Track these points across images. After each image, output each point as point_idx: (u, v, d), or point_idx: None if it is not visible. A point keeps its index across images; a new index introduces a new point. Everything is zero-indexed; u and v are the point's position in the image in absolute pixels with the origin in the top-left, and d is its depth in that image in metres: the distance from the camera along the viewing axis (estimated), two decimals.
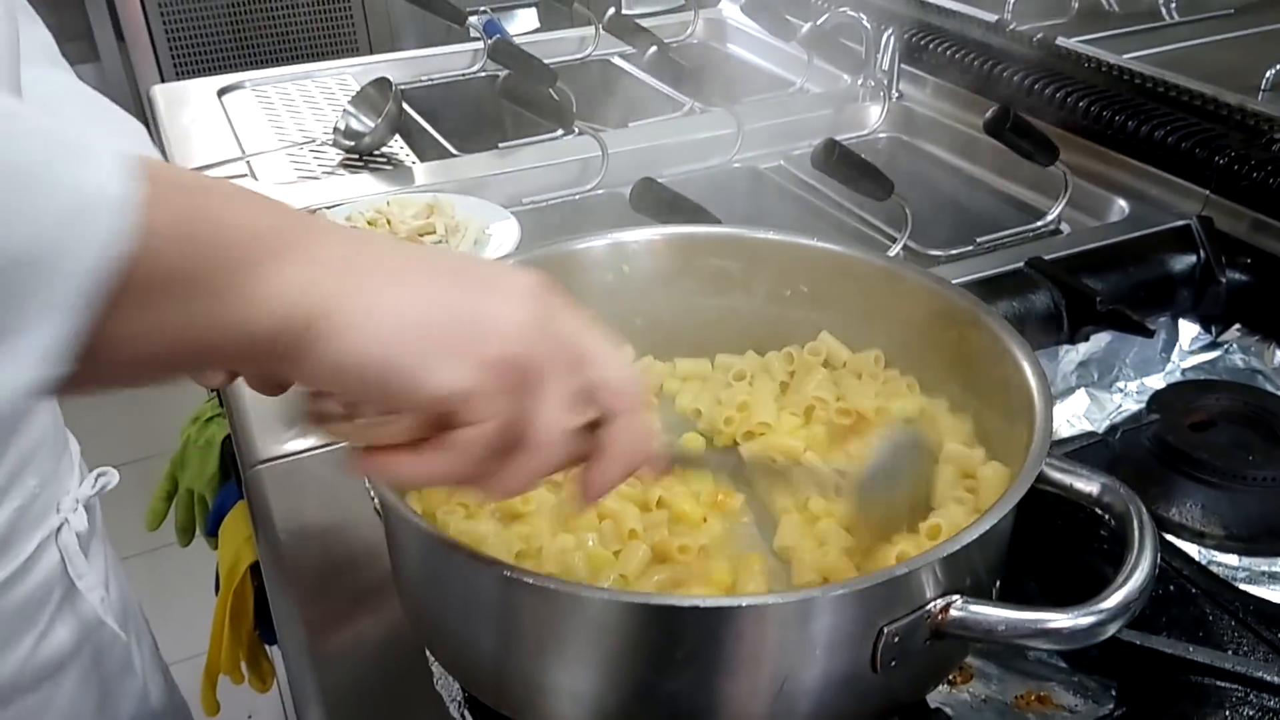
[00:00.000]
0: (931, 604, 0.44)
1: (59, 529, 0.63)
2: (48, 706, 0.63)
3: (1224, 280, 0.87)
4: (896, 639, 0.43)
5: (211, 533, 1.09)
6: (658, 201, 0.86)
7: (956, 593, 0.44)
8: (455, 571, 0.46)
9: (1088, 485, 0.50)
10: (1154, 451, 0.69)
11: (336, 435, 0.38)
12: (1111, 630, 0.43)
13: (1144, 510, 0.47)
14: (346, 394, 0.37)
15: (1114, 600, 0.43)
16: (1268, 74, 1.06)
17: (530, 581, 0.42)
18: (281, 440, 0.71)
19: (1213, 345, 0.86)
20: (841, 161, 0.89)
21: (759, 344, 0.68)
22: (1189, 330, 0.86)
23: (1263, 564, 0.65)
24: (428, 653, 0.54)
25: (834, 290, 0.65)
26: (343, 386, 0.36)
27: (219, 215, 0.32)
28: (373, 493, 0.66)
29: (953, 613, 0.44)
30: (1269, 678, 0.51)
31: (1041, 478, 0.49)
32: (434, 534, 0.46)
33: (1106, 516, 0.49)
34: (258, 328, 0.33)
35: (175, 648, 1.63)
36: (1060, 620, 0.43)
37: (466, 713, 0.50)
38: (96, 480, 0.68)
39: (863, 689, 0.45)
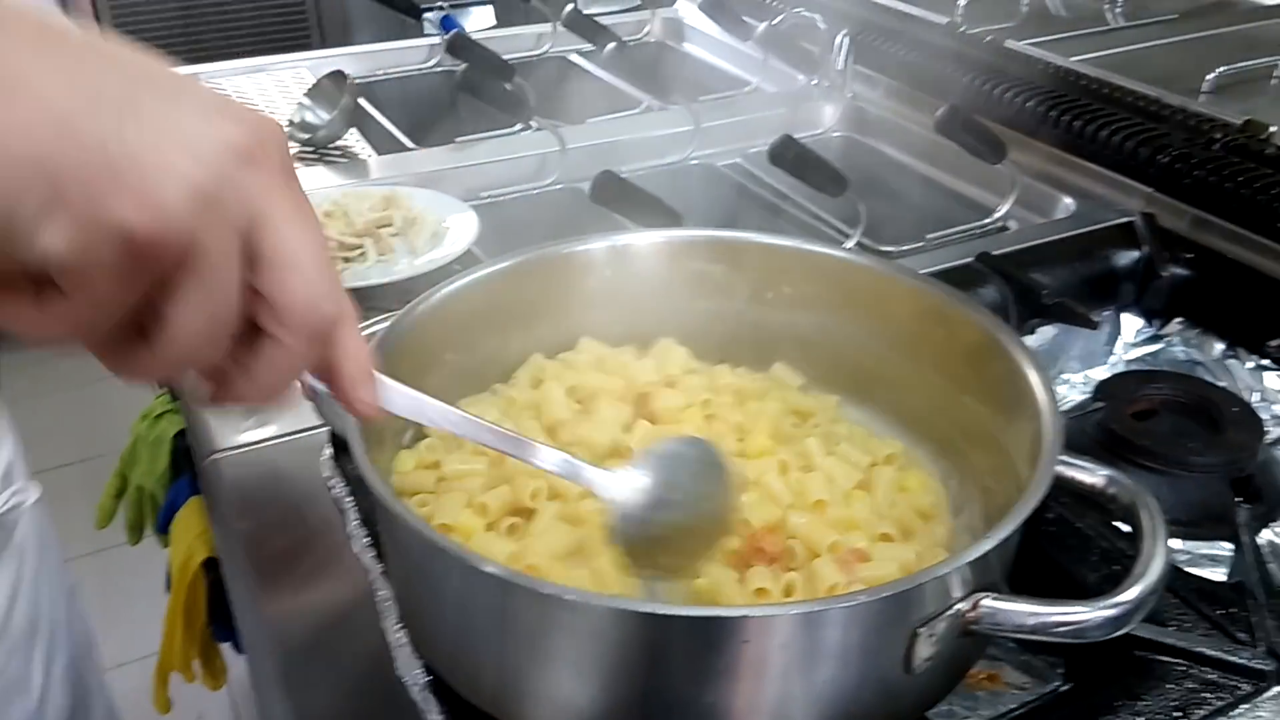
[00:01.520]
0: (961, 603, 0.45)
1: None
2: None
3: (1166, 275, 0.90)
4: (930, 637, 0.44)
5: (162, 530, 1.08)
6: (618, 195, 0.87)
7: (982, 590, 0.45)
8: (456, 577, 0.46)
9: (1092, 478, 0.51)
10: (1098, 439, 0.71)
11: None
12: (1132, 623, 0.44)
13: (1152, 502, 0.48)
14: None
15: (1133, 593, 0.44)
16: (1208, 77, 1.10)
17: (566, 596, 0.42)
18: (238, 430, 0.70)
19: (1155, 338, 0.88)
20: (797, 158, 0.91)
21: (742, 347, 0.68)
22: (1132, 323, 0.89)
23: (1203, 547, 0.67)
24: (388, 637, 0.54)
25: (816, 291, 0.66)
26: None
27: None
28: (330, 484, 0.65)
29: (982, 609, 0.45)
30: (1209, 652, 0.53)
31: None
32: (436, 540, 0.45)
33: (1114, 508, 0.50)
34: None
35: (125, 648, 1.60)
36: (1082, 614, 0.44)
37: (429, 696, 0.51)
38: (9, 498, 0.66)
39: (896, 690, 0.46)
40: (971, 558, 0.44)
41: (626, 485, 0.48)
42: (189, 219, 0.27)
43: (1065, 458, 0.50)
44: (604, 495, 0.48)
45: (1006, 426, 0.55)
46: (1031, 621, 0.45)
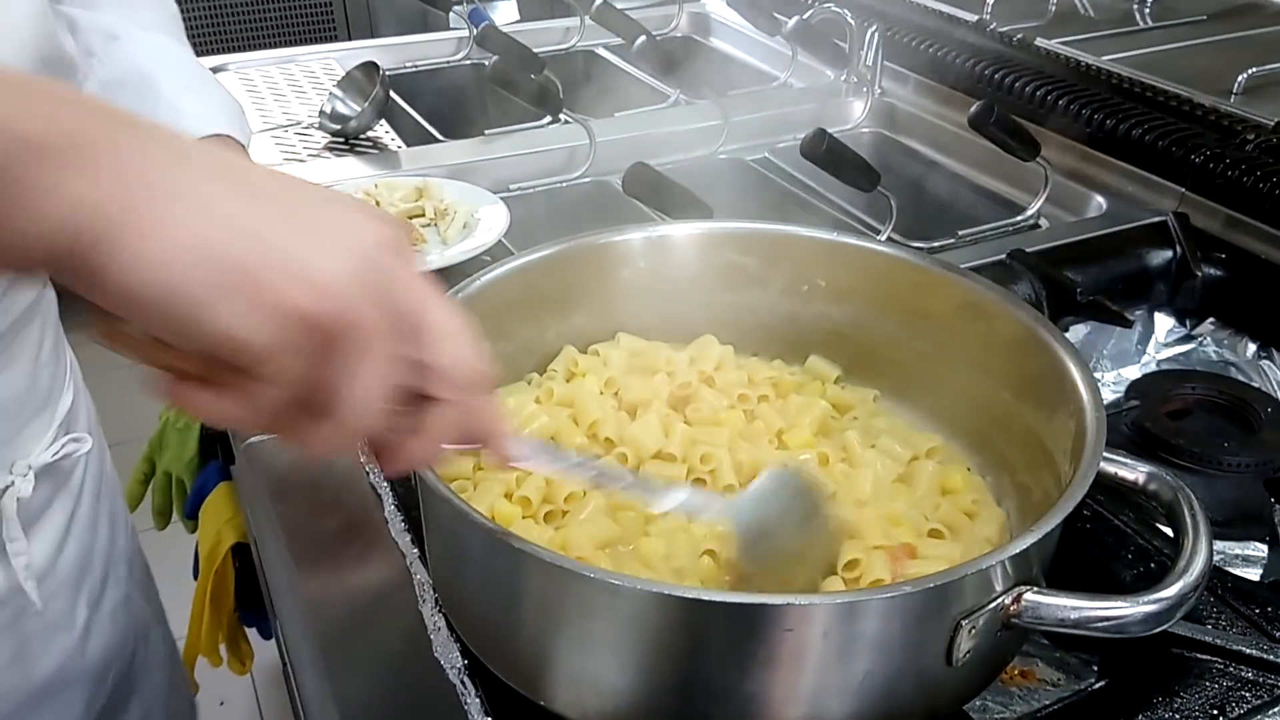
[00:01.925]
0: (1004, 596, 0.45)
1: (3, 491, 0.62)
2: None
3: (1199, 275, 0.89)
4: (972, 630, 0.44)
5: (190, 515, 1.08)
6: (650, 187, 0.87)
7: (1025, 584, 0.45)
8: (499, 560, 0.46)
9: (1133, 474, 0.51)
10: (1132, 438, 0.71)
11: (128, 354, 0.34)
12: (1174, 619, 0.44)
13: (1194, 498, 0.48)
14: (134, 322, 0.32)
15: (1175, 589, 0.44)
16: (1239, 78, 1.09)
17: (610, 580, 0.42)
18: None
19: (1187, 338, 0.88)
20: (830, 152, 0.90)
21: (776, 340, 0.68)
22: (1164, 323, 0.89)
23: (1236, 548, 0.67)
24: (426, 620, 0.54)
25: (851, 284, 0.65)
26: (128, 314, 0.31)
27: None
28: (368, 468, 0.66)
29: (1025, 603, 0.45)
30: (1246, 650, 0.53)
31: None
32: (482, 523, 0.45)
33: (1154, 505, 0.50)
34: (36, 244, 0.30)
35: None
36: (1124, 609, 0.44)
37: (466, 679, 0.51)
38: (63, 446, 0.67)
39: (936, 682, 0.46)
40: (1015, 551, 0.44)
41: (746, 513, 0.50)
42: (349, 298, 0.32)
43: (1106, 453, 0.50)
44: (729, 524, 0.50)
45: (1047, 422, 0.55)
46: (1074, 615, 0.45)
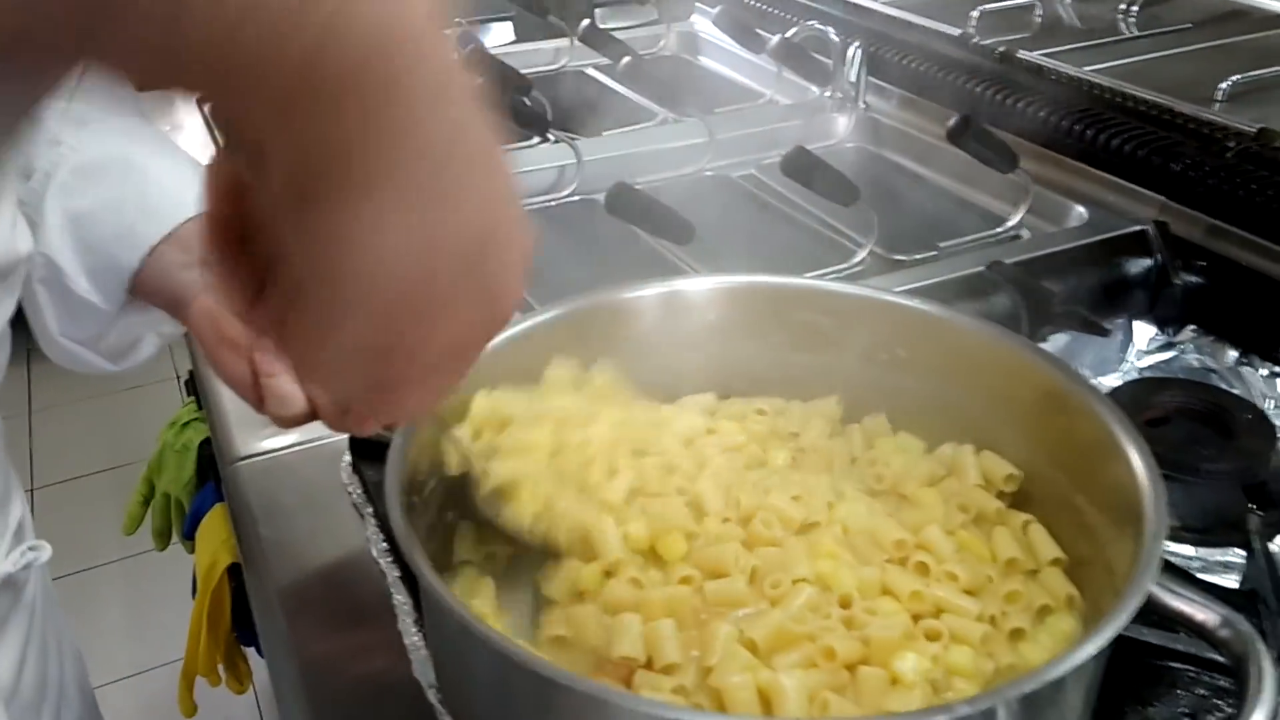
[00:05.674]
0: None
1: None
2: None
3: (1179, 283, 0.90)
4: None
5: (189, 536, 1.10)
6: (633, 206, 0.88)
7: None
8: (493, 666, 0.44)
9: (1203, 614, 0.45)
10: None
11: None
12: None
13: (1269, 661, 0.43)
14: None
15: None
16: (1222, 85, 1.10)
17: (603, 697, 0.40)
18: (260, 437, 0.72)
19: (1168, 346, 0.89)
20: (810, 169, 0.92)
21: (849, 407, 0.64)
22: (1145, 331, 0.89)
23: (1216, 554, 0.67)
24: (405, 640, 0.55)
25: (932, 358, 0.61)
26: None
27: None
28: (350, 489, 0.67)
29: None
30: (1222, 659, 0.53)
31: (1149, 600, 0.44)
32: (483, 632, 0.42)
33: (1220, 653, 0.45)
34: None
35: (152, 654, 1.63)
36: None
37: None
38: (23, 555, 0.65)
39: None
40: (1022, 691, 0.40)
41: None
42: None
43: (1175, 587, 0.46)
44: None
45: (1115, 537, 0.51)
46: None
